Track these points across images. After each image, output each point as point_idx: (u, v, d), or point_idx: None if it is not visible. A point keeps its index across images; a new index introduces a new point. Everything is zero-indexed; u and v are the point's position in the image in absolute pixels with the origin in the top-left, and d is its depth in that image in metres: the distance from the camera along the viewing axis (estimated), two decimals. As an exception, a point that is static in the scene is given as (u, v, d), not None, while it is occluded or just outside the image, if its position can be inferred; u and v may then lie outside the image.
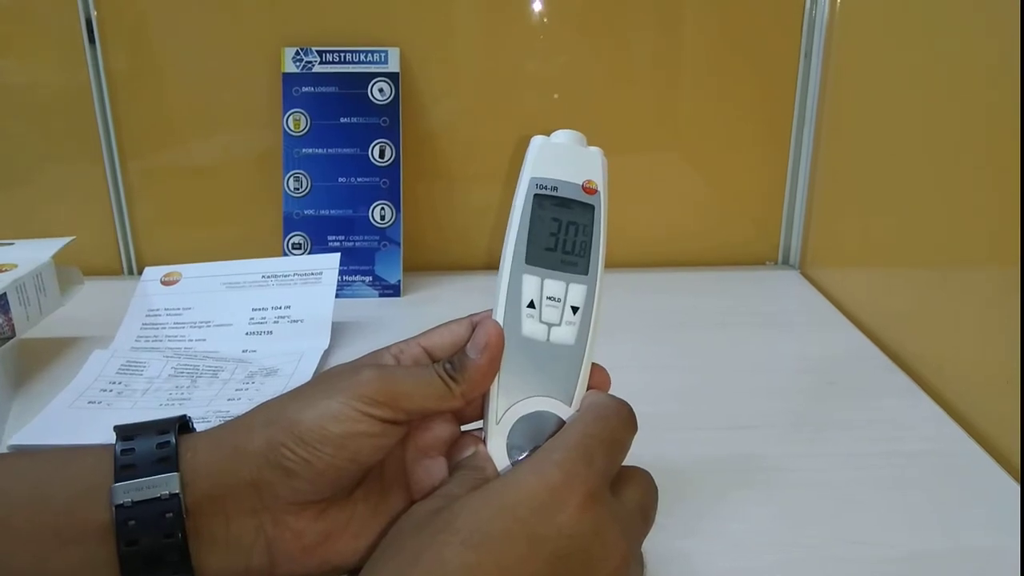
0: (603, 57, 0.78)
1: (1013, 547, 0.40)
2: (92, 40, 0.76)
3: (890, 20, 0.65)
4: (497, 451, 0.35)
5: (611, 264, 0.36)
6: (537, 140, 0.37)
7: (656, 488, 0.35)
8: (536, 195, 0.36)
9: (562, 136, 0.37)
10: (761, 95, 0.79)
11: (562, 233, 0.36)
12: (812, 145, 0.79)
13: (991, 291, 0.51)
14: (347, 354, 0.36)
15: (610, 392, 0.36)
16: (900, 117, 0.63)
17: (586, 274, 0.36)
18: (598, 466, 0.31)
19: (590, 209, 0.36)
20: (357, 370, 0.34)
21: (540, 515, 0.29)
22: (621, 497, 0.33)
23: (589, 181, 0.37)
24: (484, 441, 0.35)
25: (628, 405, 0.35)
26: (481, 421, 0.36)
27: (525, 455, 0.34)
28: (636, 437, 0.34)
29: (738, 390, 0.57)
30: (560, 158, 0.37)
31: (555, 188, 0.36)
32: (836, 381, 0.58)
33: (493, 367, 0.34)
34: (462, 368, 0.34)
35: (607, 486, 0.32)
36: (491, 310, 0.36)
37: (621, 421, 0.34)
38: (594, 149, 0.37)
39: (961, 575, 0.39)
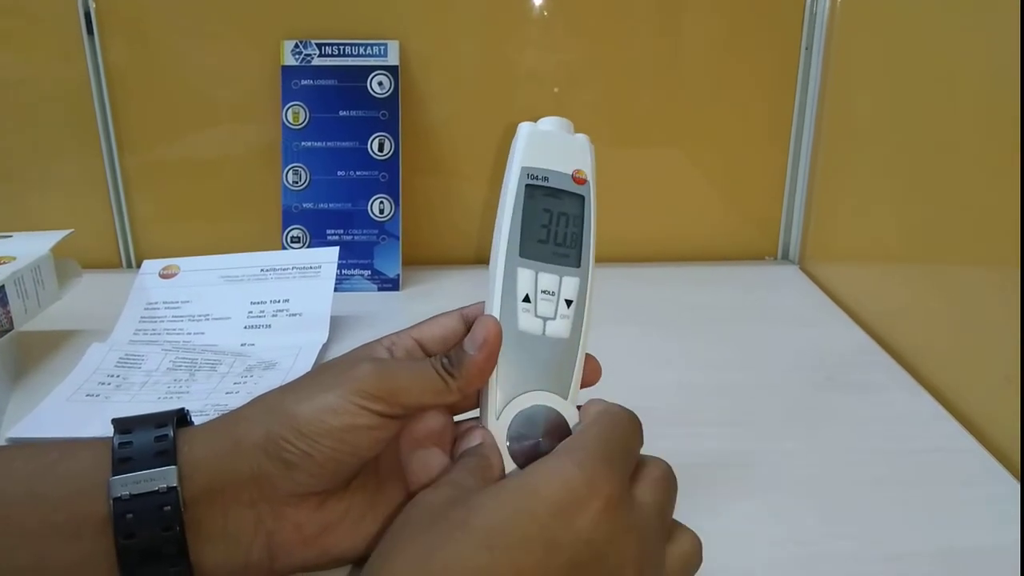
0: (603, 52, 0.78)
1: (1013, 546, 0.40)
2: (91, 32, 0.75)
3: (892, 14, 0.65)
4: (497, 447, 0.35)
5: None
6: (525, 127, 0.36)
7: (675, 481, 0.34)
8: (527, 185, 0.35)
9: (549, 123, 0.36)
10: (761, 89, 0.79)
11: (553, 224, 0.36)
12: (812, 140, 0.79)
13: (990, 287, 0.51)
14: (345, 348, 0.36)
15: (604, 382, 0.36)
16: (901, 112, 0.63)
17: (578, 266, 0.36)
18: (618, 468, 0.31)
19: (580, 199, 0.36)
20: (354, 364, 0.34)
21: (560, 519, 0.29)
22: (639, 499, 0.32)
23: (578, 171, 0.36)
24: (483, 436, 0.35)
25: (636, 415, 0.35)
26: (475, 411, 0.36)
27: (525, 445, 0.34)
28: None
29: (736, 385, 0.56)
30: (549, 146, 0.36)
31: (546, 178, 0.36)
32: (834, 377, 0.58)
33: (491, 363, 0.34)
34: (460, 364, 0.34)
35: (627, 490, 0.31)
36: (482, 303, 0.36)
37: (633, 428, 0.34)
38: (581, 136, 0.37)
39: (961, 574, 0.39)
